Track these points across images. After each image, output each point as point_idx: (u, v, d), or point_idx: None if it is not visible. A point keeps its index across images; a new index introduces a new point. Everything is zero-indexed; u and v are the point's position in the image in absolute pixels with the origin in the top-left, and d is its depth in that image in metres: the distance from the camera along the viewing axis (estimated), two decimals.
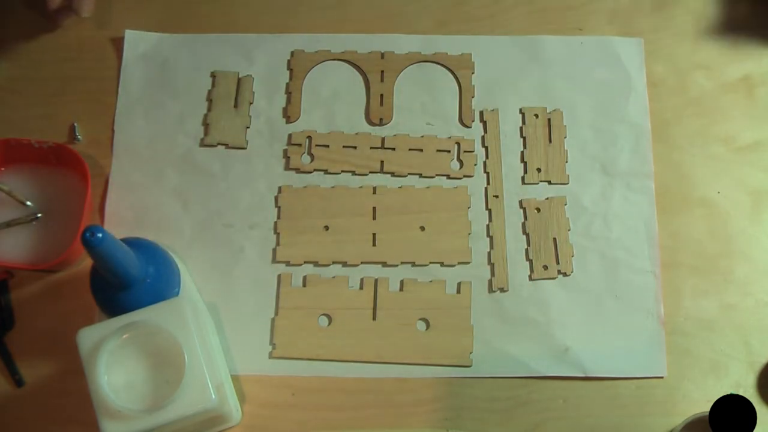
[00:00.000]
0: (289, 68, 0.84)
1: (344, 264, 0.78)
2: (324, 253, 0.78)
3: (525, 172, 0.81)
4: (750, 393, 0.74)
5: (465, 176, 0.81)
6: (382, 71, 0.84)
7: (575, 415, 0.74)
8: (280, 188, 0.80)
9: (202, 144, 0.82)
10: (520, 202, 0.80)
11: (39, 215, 0.76)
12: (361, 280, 0.77)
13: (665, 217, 0.79)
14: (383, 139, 0.82)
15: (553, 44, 0.85)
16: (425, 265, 0.78)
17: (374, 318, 0.76)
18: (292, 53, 0.85)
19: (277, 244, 0.78)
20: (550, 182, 0.80)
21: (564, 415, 0.74)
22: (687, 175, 0.81)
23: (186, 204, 0.79)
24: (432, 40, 0.85)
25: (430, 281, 0.77)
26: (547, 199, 0.80)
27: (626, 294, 0.77)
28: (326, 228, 0.79)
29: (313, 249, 0.78)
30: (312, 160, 0.81)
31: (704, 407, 0.66)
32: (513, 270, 0.77)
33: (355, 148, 0.81)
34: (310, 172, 0.81)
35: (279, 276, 0.77)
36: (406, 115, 0.83)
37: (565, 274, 0.77)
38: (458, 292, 0.77)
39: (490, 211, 0.80)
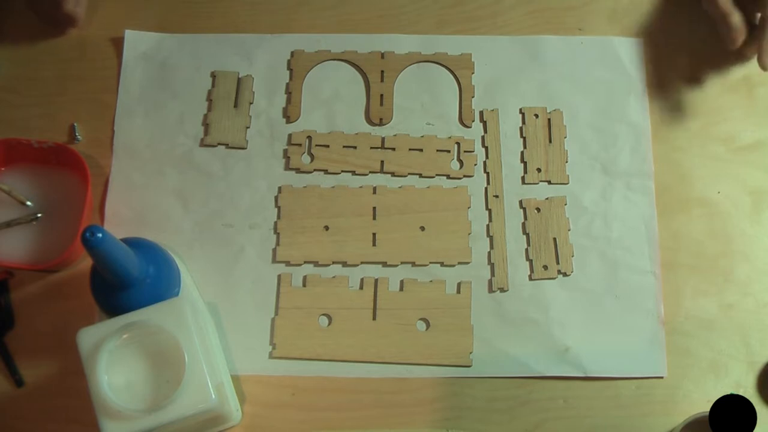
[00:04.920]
0: (289, 68, 0.84)
1: (344, 264, 0.78)
2: (324, 253, 0.78)
3: (525, 172, 0.81)
4: (750, 393, 0.74)
5: (465, 176, 0.81)
6: (382, 71, 0.84)
7: (575, 415, 0.74)
8: (280, 188, 0.80)
9: (202, 144, 0.82)
10: (520, 202, 0.80)
11: (39, 215, 0.76)
12: (361, 280, 0.77)
13: (665, 217, 0.79)
14: (383, 139, 0.82)
15: (553, 44, 0.85)
16: (425, 265, 0.78)
17: (374, 318, 0.76)
18: (292, 53, 0.85)
19: (277, 244, 0.78)
20: (550, 182, 0.80)
21: (564, 415, 0.74)
22: (687, 175, 0.81)
23: (186, 204, 0.79)
24: (432, 40, 0.85)
25: (430, 281, 0.77)
26: (547, 199, 0.80)
27: (626, 294, 0.77)
28: (326, 228, 0.79)
29: (313, 249, 0.78)
30: (312, 160, 0.81)
31: (704, 407, 0.66)
32: (513, 270, 0.77)
33: (355, 148, 0.81)
34: (310, 172, 0.81)
35: (279, 276, 0.77)
36: (406, 115, 0.83)
37: (565, 274, 0.77)
38: (458, 292, 0.77)
39: (490, 211, 0.80)
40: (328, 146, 0.81)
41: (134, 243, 0.68)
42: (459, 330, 0.75)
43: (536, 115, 0.82)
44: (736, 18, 0.77)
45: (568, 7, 0.87)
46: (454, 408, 0.74)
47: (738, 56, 0.83)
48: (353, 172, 0.81)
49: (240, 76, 0.84)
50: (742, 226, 0.79)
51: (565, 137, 0.82)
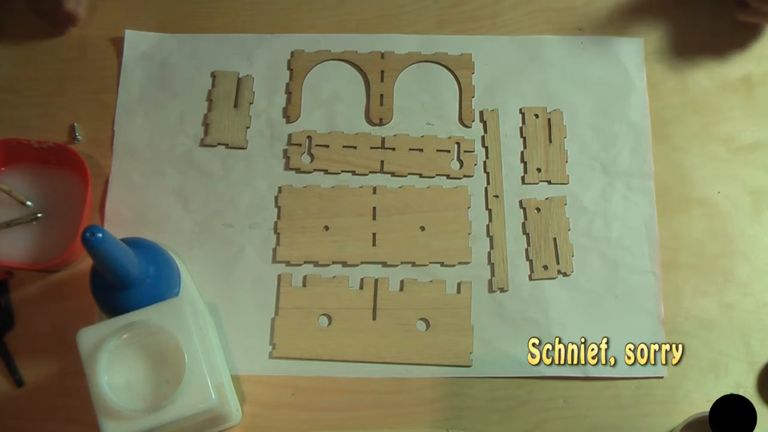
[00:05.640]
0: (289, 68, 0.84)
1: (344, 264, 0.78)
2: (324, 253, 0.78)
3: (525, 172, 0.81)
4: (750, 393, 0.74)
5: (465, 176, 0.81)
6: (382, 71, 0.84)
7: (575, 415, 0.74)
8: (280, 188, 0.80)
9: (202, 144, 0.82)
10: (520, 202, 0.80)
11: (39, 215, 0.76)
12: (361, 280, 0.77)
13: (665, 217, 0.79)
14: (383, 139, 0.82)
15: (553, 44, 0.85)
16: (425, 265, 0.78)
17: (374, 318, 0.76)
18: (292, 53, 0.85)
19: (277, 244, 0.78)
20: (550, 182, 0.80)
21: (564, 415, 0.73)
22: (687, 175, 0.81)
23: (186, 204, 0.79)
24: (432, 40, 0.85)
25: (430, 281, 0.77)
26: (547, 199, 0.80)
27: (626, 294, 0.77)
28: (326, 228, 0.79)
29: (313, 249, 0.78)
30: (312, 160, 0.81)
31: (704, 407, 0.66)
32: (513, 270, 0.77)
33: (355, 148, 0.81)
34: (310, 172, 0.81)
35: (279, 276, 0.77)
36: (406, 115, 0.83)
37: (565, 274, 0.77)
38: (458, 292, 0.77)
39: (490, 211, 0.80)
40: (328, 146, 0.81)
41: (134, 243, 0.68)
42: (459, 330, 0.75)
43: (536, 115, 0.82)
44: None
45: (568, 7, 0.87)
46: (454, 408, 0.74)
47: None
48: (353, 172, 0.81)
49: (240, 76, 0.84)
50: (742, 226, 0.79)
51: (565, 137, 0.82)
